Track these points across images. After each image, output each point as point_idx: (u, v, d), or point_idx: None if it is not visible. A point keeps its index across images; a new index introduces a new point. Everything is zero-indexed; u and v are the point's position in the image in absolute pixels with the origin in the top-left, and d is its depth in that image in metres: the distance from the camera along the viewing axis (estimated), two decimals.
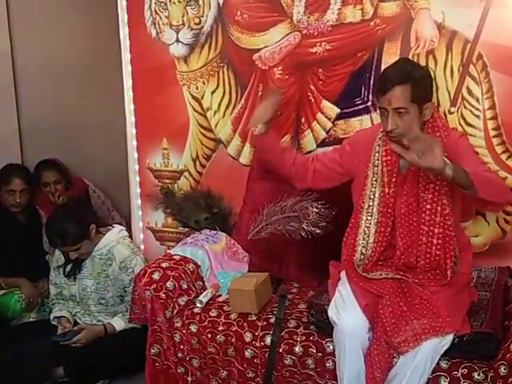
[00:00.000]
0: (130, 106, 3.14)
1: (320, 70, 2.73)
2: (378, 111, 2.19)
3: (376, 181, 2.21)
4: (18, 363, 2.62)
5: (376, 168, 2.22)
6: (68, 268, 2.85)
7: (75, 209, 2.85)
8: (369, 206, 2.22)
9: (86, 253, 2.79)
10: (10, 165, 3.26)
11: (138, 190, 3.23)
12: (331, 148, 2.73)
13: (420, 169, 2.09)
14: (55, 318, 2.86)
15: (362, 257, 2.20)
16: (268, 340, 2.27)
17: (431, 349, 1.98)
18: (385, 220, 2.19)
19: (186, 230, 3.04)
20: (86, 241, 2.74)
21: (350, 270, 2.23)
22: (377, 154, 2.22)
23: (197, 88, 2.99)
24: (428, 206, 2.12)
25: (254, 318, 2.35)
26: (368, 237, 2.21)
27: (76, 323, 2.83)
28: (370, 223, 2.21)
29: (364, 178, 2.25)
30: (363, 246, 2.21)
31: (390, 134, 2.12)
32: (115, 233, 2.86)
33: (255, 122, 2.48)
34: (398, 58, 2.42)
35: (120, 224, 3.11)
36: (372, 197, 2.21)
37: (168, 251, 2.77)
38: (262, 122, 2.45)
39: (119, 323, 2.79)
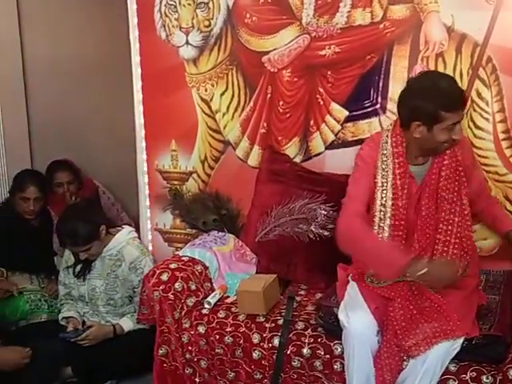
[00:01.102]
0: (139, 108, 3.14)
1: (329, 73, 2.73)
2: (421, 128, 2.06)
3: (386, 194, 2.15)
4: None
5: (385, 180, 2.14)
6: (78, 268, 2.86)
7: (85, 209, 2.87)
8: (380, 219, 2.14)
9: (95, 253, 2.80)
10: (26, 171, 3.26)
11: (147, 192, 3.23)
12: (339, 150, 2.76)
13: (440, 173, 2.12)
14: (64, 318, 2.87)
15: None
16: (276, 341, 2.27)
17: (442, 352, 1.98)
18: (397, 233, 2.14)
19: (194, 231, 3.05)
20: (96, 241, 2.75)
21: (360, 278, 2.20)
22: (384, 166, 2.15)
23: (206, 90, 3.00)
24: (448, 206, 2.12)
25: (262, 319, 2.35)
26: None
27: (84, 324, 2.84)
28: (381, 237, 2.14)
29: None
30: None
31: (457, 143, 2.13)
32: (125, 234, 2.87)
33: None
34: (424, 72, 2.23)
35: (129, 225, 3.12)
36: (383, 209, 2.14)
37: (176, 252, 2.78)
38: None
39: (127, 324, 2.80)
